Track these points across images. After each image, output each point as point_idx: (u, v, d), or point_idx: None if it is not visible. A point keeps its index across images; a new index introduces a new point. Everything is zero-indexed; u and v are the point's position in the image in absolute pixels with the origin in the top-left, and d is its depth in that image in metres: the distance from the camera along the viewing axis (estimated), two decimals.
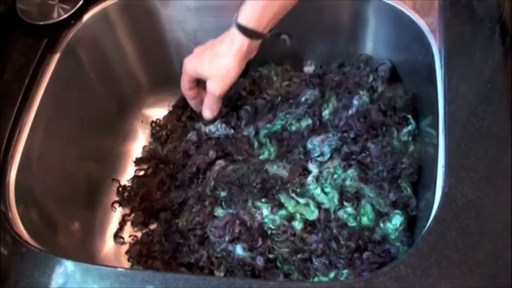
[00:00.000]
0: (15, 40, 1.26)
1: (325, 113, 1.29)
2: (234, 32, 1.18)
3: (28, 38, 1.26)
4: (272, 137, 1.30)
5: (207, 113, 1.30)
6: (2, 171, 1.11)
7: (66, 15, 1.27)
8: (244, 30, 1.16)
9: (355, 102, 1.26)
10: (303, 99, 1.33)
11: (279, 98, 1.36)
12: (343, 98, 1.30)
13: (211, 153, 1.30)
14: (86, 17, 1.31)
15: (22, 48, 1.25)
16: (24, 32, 1.27)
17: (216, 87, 1.22)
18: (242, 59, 1.20)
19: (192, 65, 1.26)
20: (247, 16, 1.16)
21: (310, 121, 1.29)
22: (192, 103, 1.37)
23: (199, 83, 1.31)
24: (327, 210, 1.14)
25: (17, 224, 1.06)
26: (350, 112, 1.25)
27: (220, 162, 1.28)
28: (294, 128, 1.30)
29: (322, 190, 1.15)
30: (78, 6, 1.28)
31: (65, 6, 1.29)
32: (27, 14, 1.27)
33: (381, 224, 1.12)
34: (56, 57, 1.26)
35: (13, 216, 1.07)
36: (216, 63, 1.21)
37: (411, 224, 1.14)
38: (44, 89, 1.22)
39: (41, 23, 1.27)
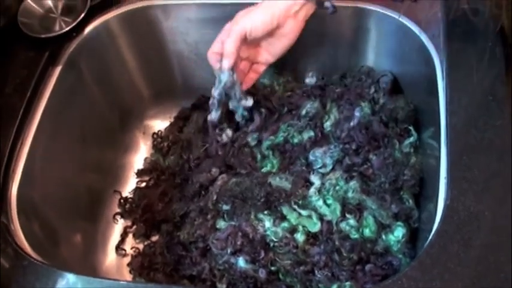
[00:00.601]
0: (17, 53, 1.26)
1: (327, 125, 1.30)
2: None
3: (30, 51, 1.27)
4: (275, 149, 1.30)
5: (224, 60, 1.19)
6: (4, 184, 1.11)
7: (68, 28, 1.27)
8: None
9: (357, 113, 1.26)
10: (303, 111, 1.33)
11: (285, 108, 1.36)
12: (344, 110, 1.30)
13: (214, 171, 1.30)
14: (88, 29, 1.32)
15: (24, 61, 1.25)
16: (25, 44, 1.27)
17: (239, 21, 1.18)
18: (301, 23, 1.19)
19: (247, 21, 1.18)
20: None
21: (312, 133, 1.29)
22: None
23: None
24: (329, 222, 1.13)
25: (19, 236, 1.06)
26: (352, 124, 1.25)
27: (223, 177, 1.29)
28: (296, 140, 1.30)
29: (325, 202, 1.14)
30: (80, 19, 1.28)
31: (67, 19, 1.30)
32: (28, 27, 1.27)
33: (383, 236, 1.12)
34: (58, 69, 1.26)
35: (15, 228, 1.07)
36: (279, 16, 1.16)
37: (413, 236, 1.14)
38: (45, 101, 1.22)
39: (43, 35, 1.27)
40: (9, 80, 1.22)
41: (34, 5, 1.31)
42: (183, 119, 1.50)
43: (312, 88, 1.41)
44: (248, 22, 1.16)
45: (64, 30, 1.27)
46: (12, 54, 1.26)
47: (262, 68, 1.29)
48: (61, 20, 1.30)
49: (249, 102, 1.29)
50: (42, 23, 1.30)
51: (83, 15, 1.28)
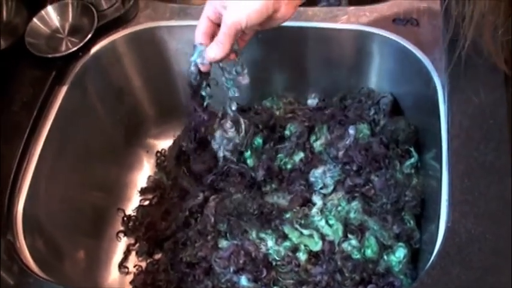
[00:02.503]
0: (24, 72, 1.27)
1: (317, 144, 1.32)
2: None
3: (36, 70, 1.28)
4: (272, 176, 1.32)
5: (213, 49, 1.08)
6: (10, 201, 1.12)
7: (74, 48, 1.28)
8: None
9: (351, 131, 1.27)
10: (287, 132, 1.36)
11: (287, 132, 1.37)
12: (334, 129, 1.31)
13: (200, 197, 1.32)
14: (94, 49, 1.33)
15: (30, 80, 1.26)
16: (32, 64, 1.28)
17: (232, 13, 1.01)
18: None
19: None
20: None
21: (302, 154, 1.31)
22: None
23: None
24: (331, 242, 1.15)
25: (25, 253, 1.07)
26: (347, 142, 1.27)
27: (215, 198, 1.29)
28: (289, 166, 1.32)
29: (327, 222, 1.16)
30: (86, 39, 1.29)
31: (73, 39, 1.31)
32: (35, 47, 1.28)
33: (385, 257, 1.13)
34: (64, 89, 1.27)
35: (21, 246, 1.08)
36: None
37: (414, 257, 1.15)
38: (51, 120, 1.23)
39: (50, 55, 1.28)
40: (16, 98, 1.23)
41: (41, 25, 1.32)
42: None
43: (313, 110, 1.43)
44: (243, 15, 1.00)
45: (71, 51, 1.28)
46: (19, 73, 1.27)
47: (249, 37, 1.18)
48: (68, 40, 1.31)
49: (246, 80, 1.20)
50: (49, 43, 1.31)
51: (90, 35, 1.29)
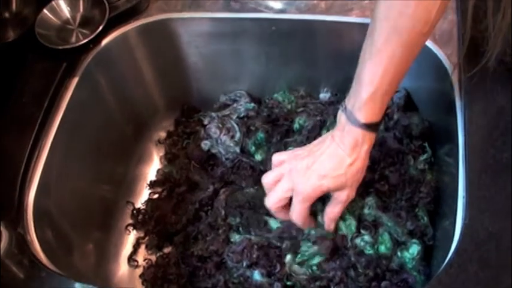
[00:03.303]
0: (34, 64, 1.27)
1: None
2: (355, 132, 1.01)
3: (47, 62, 1.27)
4: None
5: (333, 224, 1.12)
6: (21, 194, 1.11)
7: (86, 40, 1.27)
8: (370, 127, 1.01)
9: None
10: (296, 125, 1.36)
11: (296, 125, 1.36)
12: None
13: (210, 189, 1.33)
14: (105, 41, 1.32)
15: (41, 72, 1.26)
16: (42, 55, 1.27)
17: (350, 195, 1.07)
18: (369, 155, 1.06)
19: (315, 184, 1.04)
20: (371, 112, 0.99)
21: None
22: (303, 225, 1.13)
23: None
24: (344, 237, 1.13)
25: (35, 247, 1.07)
26: None
27: (225, 191, 1.30)
28: None
29: (341, 216, 1.14)
30: (98, 31, 1.28)
31: (84, 31, 1.30)
32: (46, 38, 1.27)
33: (398, 253, 1.12)
34: (75, 81, 1.26)
35: (31, 239, 1.07)
36: (347, 173, 1.03)
37: (427, 254, 1.14)
38: (62, 112, 1.22)
39: (60, 47, 1.27)
40: (26, 90, 1.23)
41: (51, 16, 1.31)
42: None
43: (326, 104, 1.42)
44: (321, 190, 1.05)
45: (82, 42, 1.27)
46: (29, 65, 1.27)
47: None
48: (78, 32, 1.30)
49: None
50: (59, 35, 1.30)
51: (101, 27, 1.28)
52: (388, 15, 0.93)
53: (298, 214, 1.08)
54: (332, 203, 1.08)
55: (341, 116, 1.03)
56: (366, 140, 1.02)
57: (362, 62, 0.98)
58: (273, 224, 1.18)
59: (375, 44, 0.95)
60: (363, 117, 0.99)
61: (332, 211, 1.09)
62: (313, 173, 1.04)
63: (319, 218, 1.12)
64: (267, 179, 1.13)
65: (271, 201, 1.11)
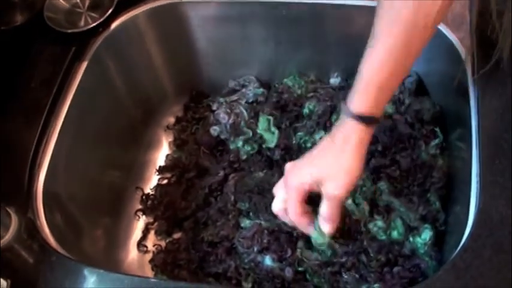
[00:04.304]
0: (43, 48, 1.26)
1: None
2: (347, 124, 0.98)
3: (56, 46, 1.26)
4: (292, 154, 1.32)
5: (329, 225, 1.05)
6: (30, 180, 1.11)
7: (95, 24, 1.26)
8: (362, 119, 0.97)
9: None
10: (306, 110, 1.35)
11: (306, 110, 1.36)
12: None
13: (221, 174, 1.33)
14: (114, 25, 1.31)
15: (50, 56, 1.25)
16: (51, 39, 1.27)
17: (338, 187, 1.00)
18: (363, 153, 1.00)
19: (301, 175, 1.03)
20: (363, 104, 0.96)
21: (323, 133, 1.29)
22: (304, 228, 1.09)
23: None
24: (357, 221, 1.13)
25: (45, 231, 1.06)
26: None
27: (234, 176, 1.30)
28: (309, 145, 1.30)
29: (354, 201, 1.14)
30: (107, 14, 1.27)
31: (93, 14, 1.29)
32: (54, 22, 1.27)
33: (410, 238, 1.11)
34: (84, 65, 1.26)
35: (41, 224, 1.07)
36: (333, 163, 1.00)
37: (439, 239, 1.13)
38: (71, 97, 1.22)
39: (69, 31, 1.26)
40: (35, 74, 1.22)
41: None
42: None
43: (336, 89, 1.41)
44: (311, 177, 1.02)
45: (91, 26, 1.26)
46: (38, 49, 1.26)
47: None
48: (87, 15, 1.29)
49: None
50: (68, 18, 1.30)
51: (110, 10, 1.27)
52: (392, 4, 0.91)
53: (292, 211, 1.05)
54: (323, 201, 1.03)
55: (342, 107, 1.01)
56: (358, 132, 0.98)
57: (365, 51, 0.96)
58: None
59: (376, 34, 0.94)
60: (355, 107, 0.97)
61: (323, 210, 1.03)
62: (303, 165, 1.04)
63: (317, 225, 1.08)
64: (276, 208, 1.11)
65: (274, 206, 1.10)
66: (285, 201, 1.08)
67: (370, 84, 0.95)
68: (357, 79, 0.97)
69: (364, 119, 0.97)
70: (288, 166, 1.07)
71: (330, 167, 1.00)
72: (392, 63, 0.94)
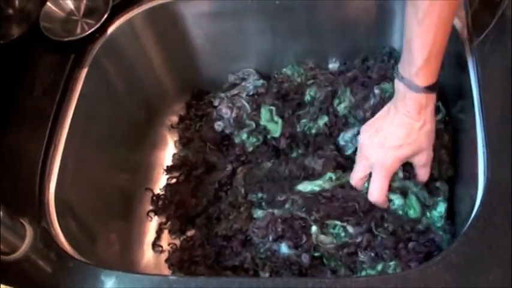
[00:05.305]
0: (42, 58, 1.26)
1: (341, 107, 1.30)
2: (418, 97, 1.04)
3: (54, 55, 1.26)
4: (298, 141, 1.33)
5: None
6: (41, 189, 1.11)
7: (91, 30, 1.27)
8: (431, 89, 1.04)
9: (376, 91, 1.25)
10: (307, 97, 1.36)
11: (308, 97, 1.36)
12: (358, 92, 1.29)
13: (229, 168, 1.34)
14: (111, 29, 1.31)
15: (49, 65, 1.25)
16: (50, 49, 1.27)
17: (429, 154, 1.10)
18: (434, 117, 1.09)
19: (394, 156, 1.08)
20: (429, 75, 1.03)
21: (326, 118, 1.30)
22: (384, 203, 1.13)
23: None
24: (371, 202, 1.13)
25: (60, 239, 1.06)
26: (372, 102, 1.25)
27: (242, 169, 1.31)
28: (314, 131, 1.31)
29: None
30: (103, 20, 1.28)
31: (89, 21, 1.29)
32: (51, 31, 1.27)
33: (427, 213, 1.12)
34: (84, 71, 1.26)
35: (55, 232, 1.07)
36: (421, 137, 1.07)
37: (450, 213, 1.14)
38: (75, 103, 1.22)
39: (66, 39, 1.26)
40: (36, 84, 1.22)
41: (55, 8, 1.31)
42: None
43: (335, 73, 1.42)
44: (403, 157, 1.10)
45: (87, 33, 1.27)
46: (37, 59, 1.26)
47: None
48: (83, 22, 1.30)
49: None
50: (64, 27, 1.30)
51: (106, 16, 1.28)
52: None
53: (379, 189, 1.10)
54: (417, 169, 1.12)
55: (399, 86, 1.07)
56: (429, 102, 1.05)
57: (409, 30, 1.01)
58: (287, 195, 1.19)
59: (420, 11, 0.97)
60: (422, 81, 1.03)
61: (419, 174, 1.13)
62: (388, 147, 1.08)
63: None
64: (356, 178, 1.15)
65: (353, 177, 1.15)
66: (365, 176, 1.13)
67: (431, 56, 1.00)
68: (413, 57, 1.02)
69: (433, 88, 1.04)
70: (367, 141, 1.13)
71: (419, 142, 1.07)
72: (443, 31, 0.99)
